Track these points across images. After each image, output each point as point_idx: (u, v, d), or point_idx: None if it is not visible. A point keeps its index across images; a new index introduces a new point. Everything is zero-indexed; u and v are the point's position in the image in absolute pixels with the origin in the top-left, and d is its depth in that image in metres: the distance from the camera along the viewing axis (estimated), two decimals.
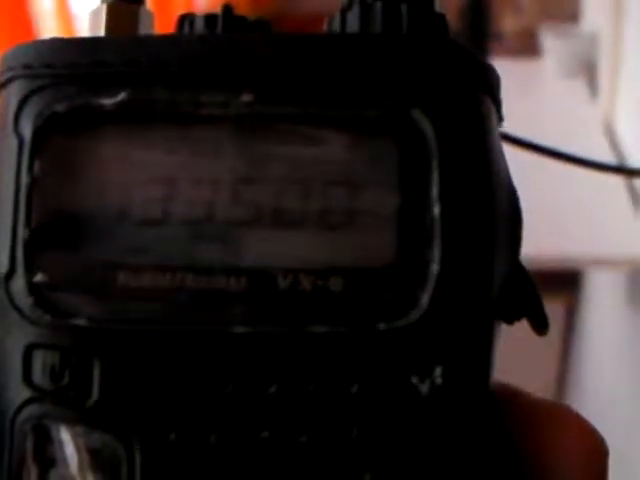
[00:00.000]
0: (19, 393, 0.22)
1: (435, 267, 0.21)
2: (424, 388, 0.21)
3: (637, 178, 1.12)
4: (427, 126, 0.21)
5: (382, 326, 0.21)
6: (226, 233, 0.22)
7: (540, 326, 0.24)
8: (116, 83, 0.22)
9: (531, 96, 1.67)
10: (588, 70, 1.72)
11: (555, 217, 1.20)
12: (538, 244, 1.09)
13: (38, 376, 0.21)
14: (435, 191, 0.21)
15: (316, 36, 0.23)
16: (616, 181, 1.28)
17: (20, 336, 0.21)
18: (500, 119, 0.24)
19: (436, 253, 0.21)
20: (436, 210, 0.21)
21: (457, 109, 0.22)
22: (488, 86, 0.23)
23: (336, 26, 0.24)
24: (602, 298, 1.58)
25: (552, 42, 1.77)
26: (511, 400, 0.23)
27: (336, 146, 0.22)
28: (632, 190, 1.28)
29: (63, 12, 1.41)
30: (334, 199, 0.22)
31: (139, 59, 0.22)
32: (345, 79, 0.22)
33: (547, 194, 1.23)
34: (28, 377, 0.21)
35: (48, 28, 1.37)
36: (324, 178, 0.22)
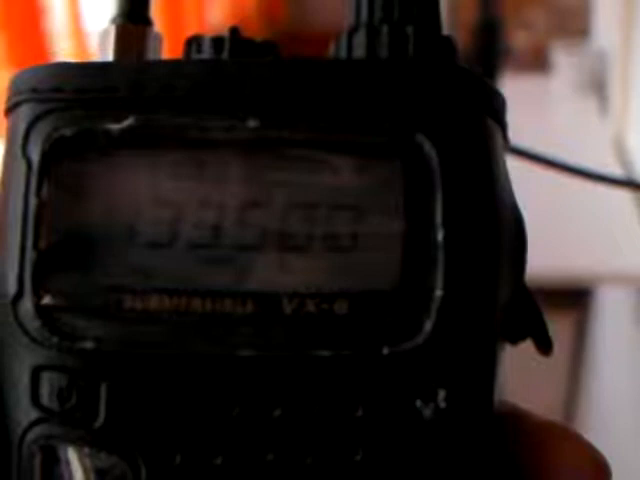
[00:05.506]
0: (27, 414, 0.22)
1: (439, 292, 0.21)
2: (428, 412, 0.21)
3: None
4: (431, 151, 0.22)
5: (386, 350, 0.21)
6: (232, 257, 0.22)
7: (544, 346, 0.24)
8: (123, 108, 0.22)
9: (541, 112, 1.67)
10: (598, 86, 1.72)
11: (565, 234, 1.20)
12: (548, 261, 1.09)
13: (46, 397, 0.22)
14: (439, 216, 0.21)
15: (322, 61, 0.23)
16: (625, 198, 1.28)
17: (28, 358, 0.22)
18: (506, 142, 0.24)
19: (440, 278, 0.21)
20: (440, 235, 0.21)
21: (461, 133, 0.22)
22: (493, 109, 0.23)
23: (342, 48, 0.24)
24: (611, 315, 1.57)
25: (563, 58, 1.78)
26: (515, 421, 0.23)
27: (341, 171, 0.22)
28: None
29: (77, 30, 1.42)
30: (339, 223, 0.22)
31: (146, 84, 0.22)
32: (350, 104, 0.22)
33: (557, 212, 1.23)
34: (36, 398, 0.22)
35: (62, 46, 1.37)
36: (329, 202, 0.22)
